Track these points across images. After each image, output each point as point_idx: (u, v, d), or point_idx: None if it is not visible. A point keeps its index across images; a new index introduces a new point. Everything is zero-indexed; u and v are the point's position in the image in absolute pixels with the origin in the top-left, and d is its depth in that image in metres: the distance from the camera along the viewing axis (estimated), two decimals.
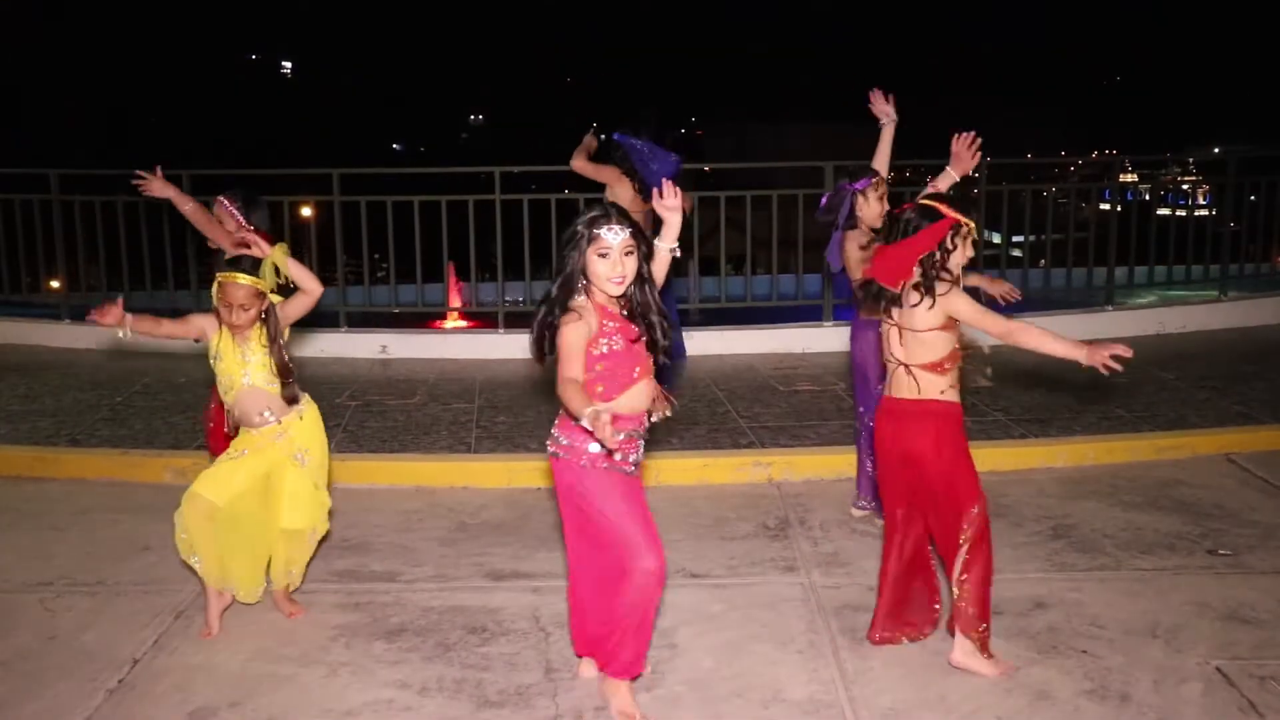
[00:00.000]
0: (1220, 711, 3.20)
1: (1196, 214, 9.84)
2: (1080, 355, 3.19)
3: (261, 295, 3.69)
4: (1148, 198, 9.81)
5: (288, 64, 78.40)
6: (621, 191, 6.17)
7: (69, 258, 8.94)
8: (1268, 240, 9.80)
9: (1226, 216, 9.74)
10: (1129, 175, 14.48)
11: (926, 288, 3.30)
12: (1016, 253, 10.05)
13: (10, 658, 3.61)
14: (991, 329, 3.28)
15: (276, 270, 3.69)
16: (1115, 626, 3.77)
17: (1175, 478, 5.42)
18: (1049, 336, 3.28)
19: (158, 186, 4.55)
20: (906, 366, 3.40)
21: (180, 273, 8.95)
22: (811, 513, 5.02)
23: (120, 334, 3.65)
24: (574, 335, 2.96)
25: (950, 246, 3.29)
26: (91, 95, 57.20)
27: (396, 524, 4.93)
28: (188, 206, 4.53)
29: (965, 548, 3.36)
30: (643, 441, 3.18)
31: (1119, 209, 10.19)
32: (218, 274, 3.71)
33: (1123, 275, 9.49)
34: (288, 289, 3.78)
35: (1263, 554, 4.43)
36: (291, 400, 3.80)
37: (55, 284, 9.26)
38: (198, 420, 6.21)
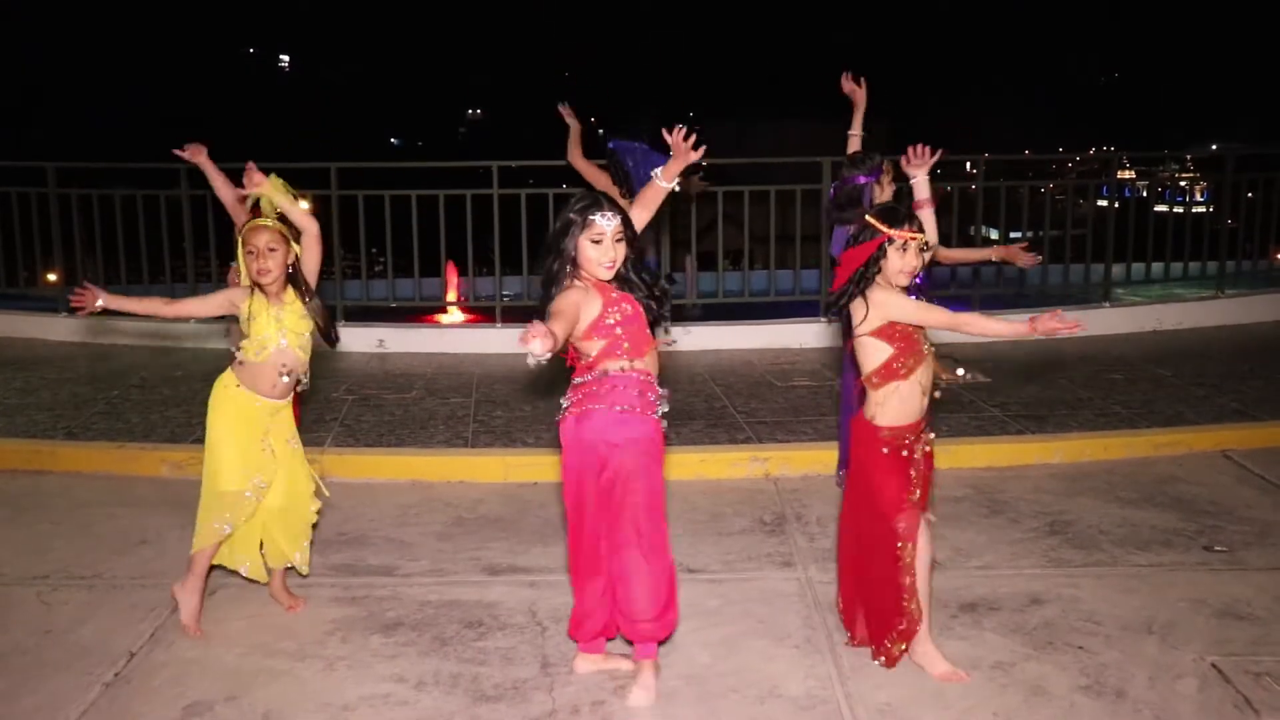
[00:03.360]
0: (1215, 707, 3.21)
1: (1194, 211, 9.83)
2: (1024, 330, 3.20)
3: (284, 237, 3.68)
4: (1145, 194, 9.83)
5: (285, 58, 78.31)
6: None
7: (66, 251, 8.93)
8: (1265, 237, 9.81)
9: (1224, 214, 9.74)
10: (1127, 172, 14.47)
11: (853, 292, 3.35)
12: None
13: (6, 651, 3.61)
14: (937, 322, 3.32)
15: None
16: (1111, 622, 3.77)
17: (1172, 474, 5.43)
18: (993, 321, 3.31)
19: (194, 151, 4.47)
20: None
21: (178, 266, 8.94)
22: (808, 508, 5.02)
23: (99, 304, 3.66)
24: (571, 296, 3.08)
25: (881, 259, 3.31)
26: (89, 89, 57.09)
27: (393, 518, 4.93)
28: (218, 181, 4.50)
29: (901, 568, 3.32)
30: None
31: (1117, 206, 10.19)
32: (241, 234, 3.72)
33: (1120, 272, 9.49)
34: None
35: (1259, 550, 4.44)
36: (331, 343, 3.84)
37: (52, 277, 9.25)
38: (194, 414, 6.21)
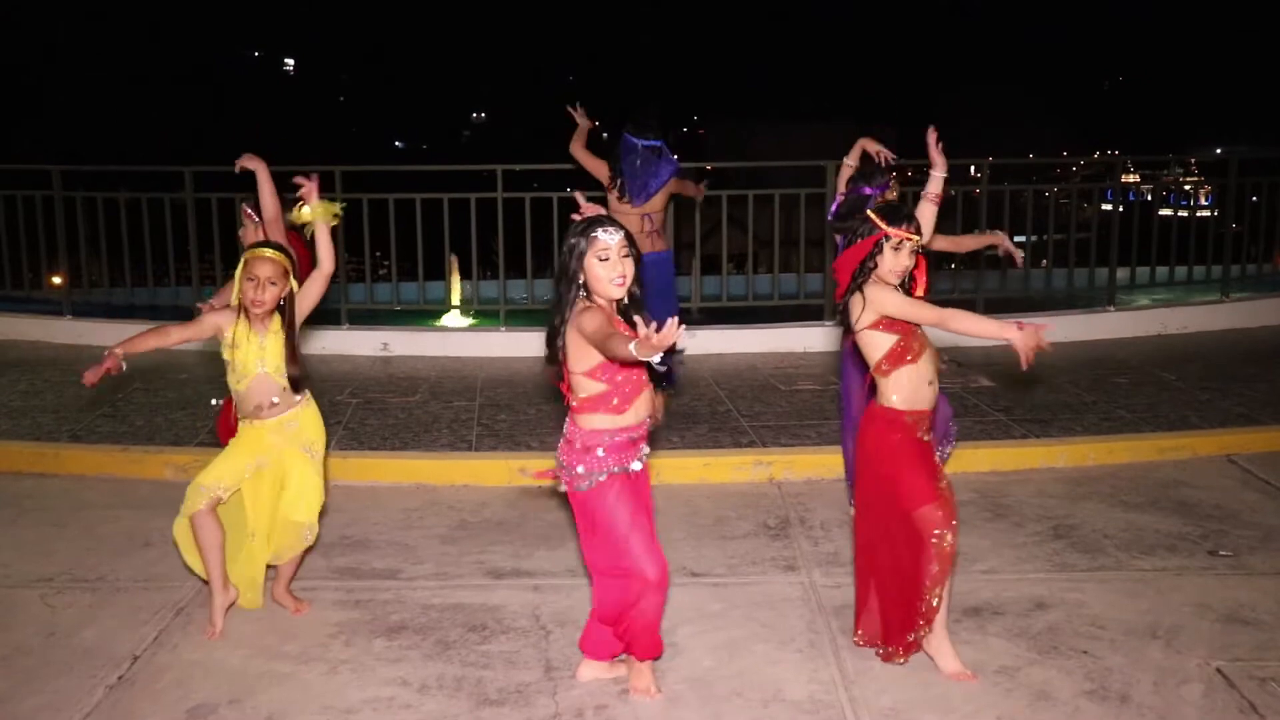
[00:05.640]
0: (1220, 713, 3.20)
1: (1198, 215, 9.82)
2: (1010, 336, 3.16)
3: (287, 274, 3.73)
4: (1150, 198, 9.81)
5: (290, 61, 78.46)
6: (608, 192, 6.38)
7: (71, 254, 8.94)
8: (1269, 241, 9.79)
9: (1229, 218, 9.73)
10: (1131, 176, 14.46)
11: (853, 289, 3.41)
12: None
13: (10, 653, 3.61)
14: (924, 318, 3.33)
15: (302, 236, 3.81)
16: (1116, 627, 3.76)
17: (1176, 478, 5.42)
18: (980, 319, 3.29)
19: (250, 159, 4.49)
20: (866, 370, 3.49)
21: (182, 269, 8.96)
22: (812, 512, 5.02)
23: (123, 367, 3.71)
24: (598, 315, 3.02)
25: (877, 255, 3.36)
26: (95, 92, 57.21)
27: (397, 521, 4.93)
28: (267, 191, 4.46)
29: (934, 555, 3.31)
30: (645, 447, 3.27)
31: (1121, 209, 10.16)
32: (244, 255, 3.77)
33: (1124, 276, 9.48)
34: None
35: (1263, 555, 4.43)
36: (297, 389, 3.82)
37: (57, 280, 9.26)
38: (198, 417, 6.22)
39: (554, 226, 8.31)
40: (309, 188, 3.81)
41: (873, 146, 4.94)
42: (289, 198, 3.92)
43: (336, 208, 3.87)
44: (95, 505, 5.11)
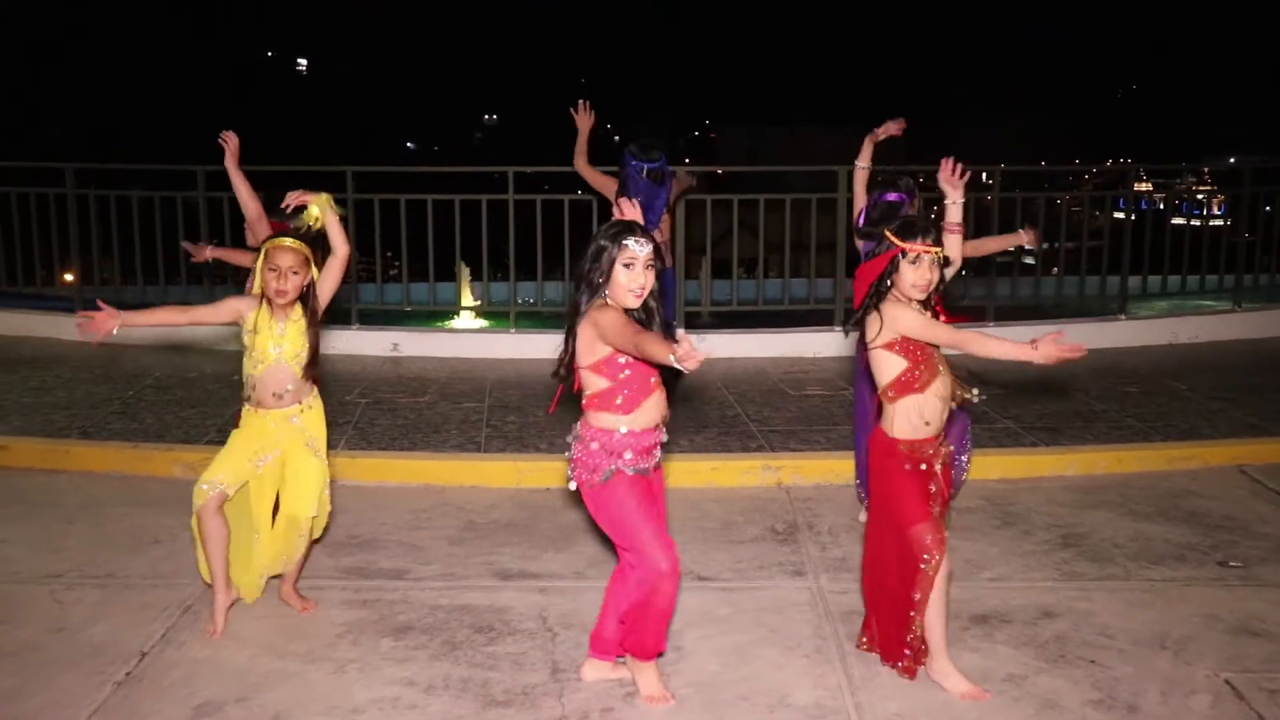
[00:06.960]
0: None
1: (1211, 224, 9.78)
2: (1028, 355, 3.14)
3: (308, 262, 3.74)
4: (1162, 207, 9.77)
5: (303, 61, 78.72)
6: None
7: (83, 251, 8.98)
8: None
9: (1241, 227, 9.68)
10: (1143, 184, 14.40)
11: (869, 306, 3.39)
12: (1030, 260, 10.01)
13: (19, 649, 3.63)
14: (940, 339, 3.33)
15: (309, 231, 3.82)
16: (1124, 637, 3.75)
17: (1186, 488, 5.40)
18: (995, 341, 3.27)
19: (230, 145, 4.65)
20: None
21: (193, 268, 8.98)
22: (820, 517, 5.01)
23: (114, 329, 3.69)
24: (620, 314, 3.09)
25: (894, 273, 3.33)
26: (107, 91, 57.44)
27: (405, 522, 4.94)
28: (244, 191, 4.60)
29: (918, 580, 3.30)
30: (660, 447, 3.30)
31: (1133, 218, 10.13)
32: (264, 245, 3.77)
33: (1136, 284, 9.44)
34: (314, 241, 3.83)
35: (1274, 566, 4.41)
36: (309, 382, 3.85)
37: (69, 277, 9.31)
38: (208, 415, 6.24)
39: (565, 228, 8.31)
40: (294, 198, 3.79)
41: (880, 135, 4.96)
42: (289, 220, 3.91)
43: (337, 205, 3.86)
44: (105, 502, 5.13)
